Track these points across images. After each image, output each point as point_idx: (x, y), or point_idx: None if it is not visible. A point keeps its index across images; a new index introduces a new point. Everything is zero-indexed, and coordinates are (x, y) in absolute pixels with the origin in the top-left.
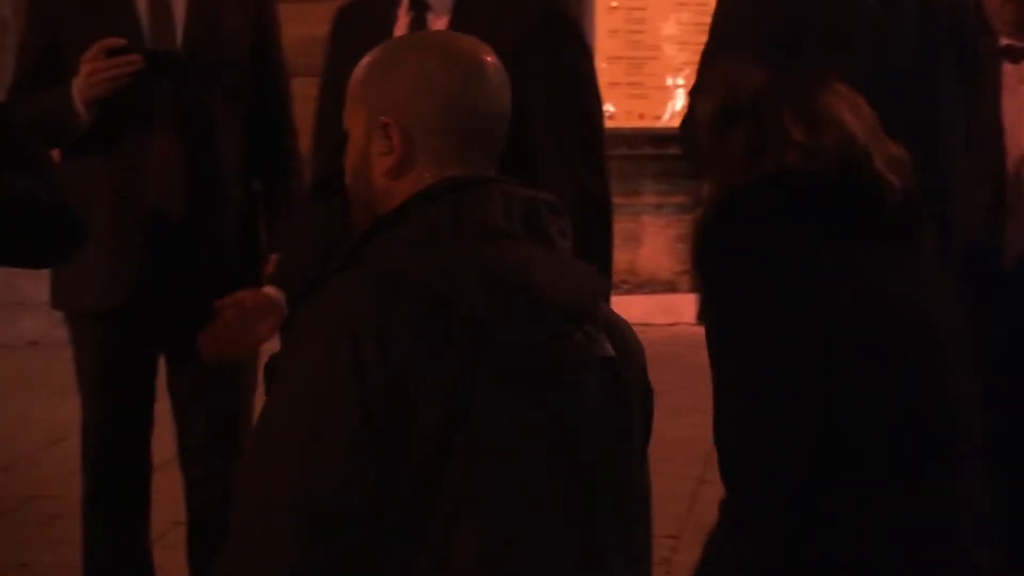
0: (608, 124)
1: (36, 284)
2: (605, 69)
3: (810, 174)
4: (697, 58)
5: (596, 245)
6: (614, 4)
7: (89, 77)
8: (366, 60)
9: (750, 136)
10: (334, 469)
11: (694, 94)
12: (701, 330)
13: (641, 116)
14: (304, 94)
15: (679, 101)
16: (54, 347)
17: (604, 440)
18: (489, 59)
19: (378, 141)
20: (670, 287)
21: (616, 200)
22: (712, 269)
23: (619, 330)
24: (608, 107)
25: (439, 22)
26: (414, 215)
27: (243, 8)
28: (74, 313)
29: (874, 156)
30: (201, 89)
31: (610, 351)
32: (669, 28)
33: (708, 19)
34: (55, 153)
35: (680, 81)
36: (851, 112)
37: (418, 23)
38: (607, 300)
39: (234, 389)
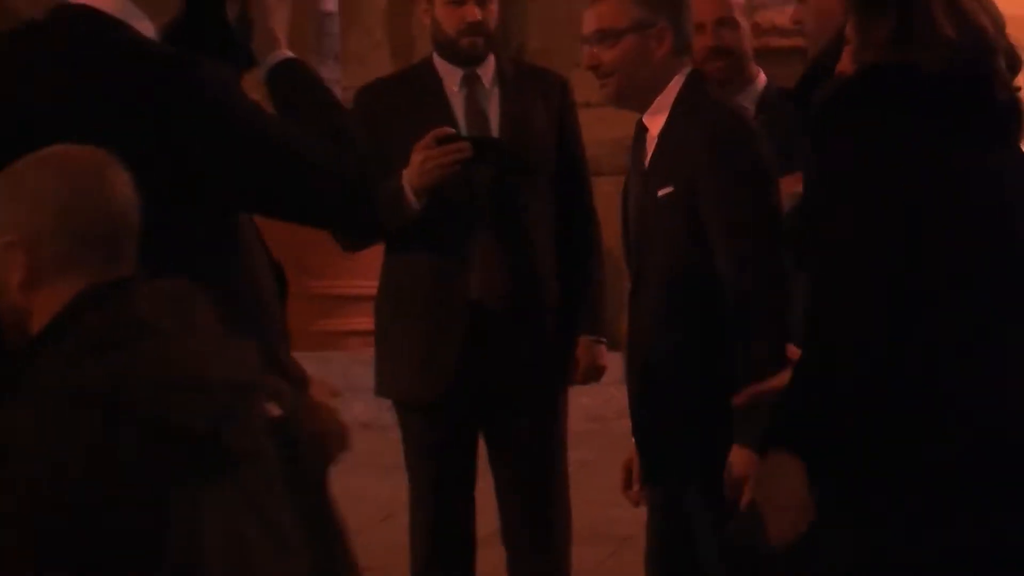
0: None
1: (368, 370)
2: None
3: (935, 70)
4: None
5: (761, 330)
6: None
7: (422, 164)
8: None
9: (898, 23)
10: None
11: None
12: None
13: None
14: (609, 191)
15: None
16: (384, 429)
17: (286, 495)
18: (106, 167)
19: (8, 261)
20: None
21: None
22: (822, 144)
23: (284, 393)
24: None
25: (650, 150)
26: (71, 329)
27: (548, 108)
28: (397, 402)
29: (999, 56)
30: (517, 182)
31: (276, 412)
32: None
33: None
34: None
35: None
36: (984, 11)
37: (640, 146)
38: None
39: (550, 468)
